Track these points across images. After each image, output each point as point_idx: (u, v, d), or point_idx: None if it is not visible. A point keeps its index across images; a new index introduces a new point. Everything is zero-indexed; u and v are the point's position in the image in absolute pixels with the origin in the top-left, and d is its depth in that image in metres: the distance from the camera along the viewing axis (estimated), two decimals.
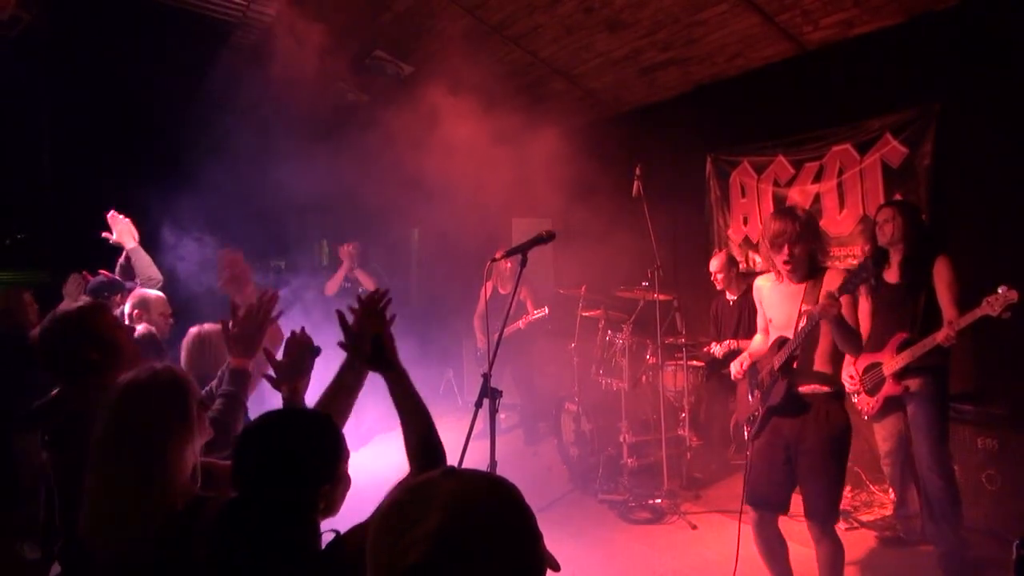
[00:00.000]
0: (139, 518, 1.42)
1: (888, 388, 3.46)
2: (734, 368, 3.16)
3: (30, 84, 5.90)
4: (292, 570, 1.27)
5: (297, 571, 1.27)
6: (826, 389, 2.80)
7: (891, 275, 3.56)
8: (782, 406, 2.82)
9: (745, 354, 3.15)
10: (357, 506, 1.37)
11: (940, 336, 3.18)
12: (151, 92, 5.81)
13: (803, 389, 2.82)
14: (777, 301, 2.97)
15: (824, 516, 2.74)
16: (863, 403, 3.59)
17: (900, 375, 3.41)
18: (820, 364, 2.81)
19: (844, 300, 2.63)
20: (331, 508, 1.42)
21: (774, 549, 2.93)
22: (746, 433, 3.03)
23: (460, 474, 0.89)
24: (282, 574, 1.26)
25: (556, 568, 0.96)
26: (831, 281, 2.73)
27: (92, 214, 3.89)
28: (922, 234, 3.50)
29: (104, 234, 3.81)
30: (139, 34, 5.42)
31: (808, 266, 2.82)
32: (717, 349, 4.79)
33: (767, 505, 2.89)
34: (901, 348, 3.39)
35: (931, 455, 3.33)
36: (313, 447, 1.38)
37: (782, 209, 2.88)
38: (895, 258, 3.53)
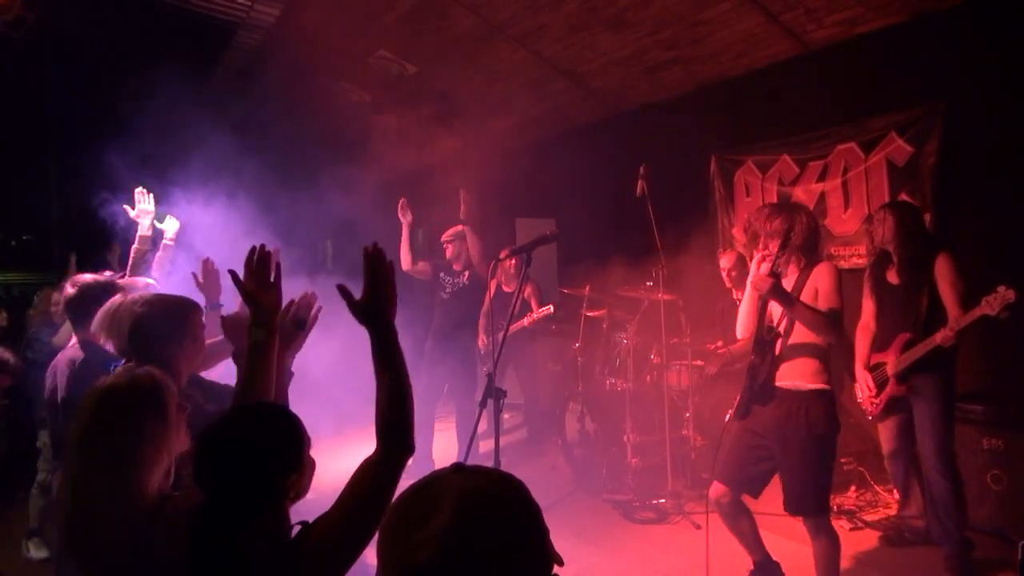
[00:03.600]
0: (112, 519, 1.44)
1: (892, 388, 3.44)
2: None
3: (35, 84, 5.93)
4: (266, 559, 1.29)
5: (270, 560, 1.29)
6: (808, 386, 2.78)
7: (892, 275, 3.54)
8: (759, 393, 2.84)
9: None
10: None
11: (939, 337, 3.18)
12: (156, 93, 5.83)
13: (783, 383, 2.82)
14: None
15: (815, 511, 2.76)
16: (867, 403, 3.58)
17: (904, 375, 3.40)
18: (801, 357, 2.80)
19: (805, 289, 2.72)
20: (300, 494, 1.44)
21: (741, 524, 2.95)
22: (728, 415, 3.06)
23: (469, 470, 0.90)
24: (257, 564, 1.28)
25: (560, 563, 0.96)
26: (818, 275, 2.79)
27: (95, 216, 3.89)
28: (918, 233, 3.46)
29: (127, 208, 3.68)
30: (144, 35, 5.44)
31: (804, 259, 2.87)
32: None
33: (737, 484, 2.91)
34: (905, 348, 3.38)
35: (936, 455, 3.32)
36: (276, 441, 1.39)
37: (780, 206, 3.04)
38: (895, 259, 3.52)
